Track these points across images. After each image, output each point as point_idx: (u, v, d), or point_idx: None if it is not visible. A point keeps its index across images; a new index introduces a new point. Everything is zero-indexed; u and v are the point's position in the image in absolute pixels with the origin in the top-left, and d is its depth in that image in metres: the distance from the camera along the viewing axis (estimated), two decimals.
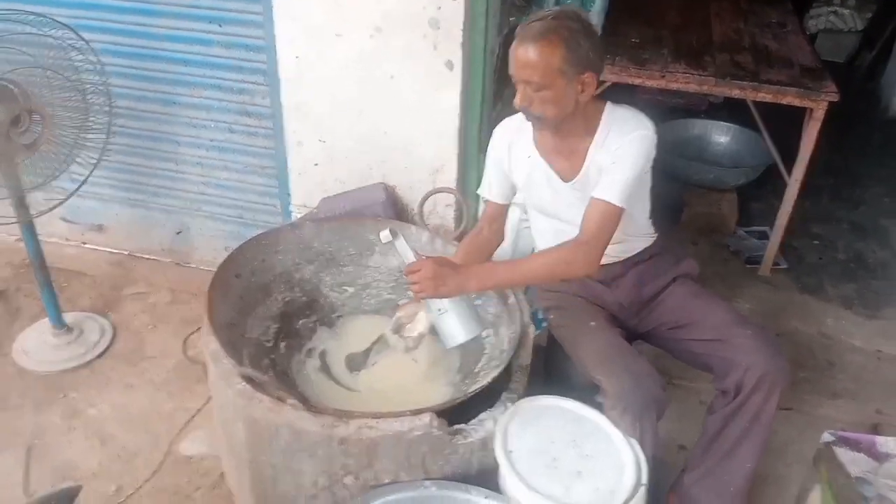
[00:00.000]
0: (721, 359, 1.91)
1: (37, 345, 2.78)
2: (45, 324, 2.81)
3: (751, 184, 3.73)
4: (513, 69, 1.78)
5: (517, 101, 1.81)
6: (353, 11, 2.28)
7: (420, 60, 2.31)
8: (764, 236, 3.56)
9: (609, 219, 1.81)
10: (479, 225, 2.18)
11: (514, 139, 1.99)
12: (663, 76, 2.93)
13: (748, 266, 3.38)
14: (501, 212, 2.15)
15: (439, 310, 1.80)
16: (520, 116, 1.91)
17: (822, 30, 5.79)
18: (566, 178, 1.93)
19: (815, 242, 3.60)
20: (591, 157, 1.87)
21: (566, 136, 1.88)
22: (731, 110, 4.08)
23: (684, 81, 2.93)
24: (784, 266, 3.39)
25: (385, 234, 1.76)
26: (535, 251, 2.20)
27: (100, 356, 2.76)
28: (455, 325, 1.84)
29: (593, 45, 1.75)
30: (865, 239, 3.65)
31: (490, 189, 2.11)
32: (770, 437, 1.94)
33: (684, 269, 2.13)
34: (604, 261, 2.01)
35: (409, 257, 1.76)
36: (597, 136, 1.86)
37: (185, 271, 3.14)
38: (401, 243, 1.79)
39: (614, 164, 1.81)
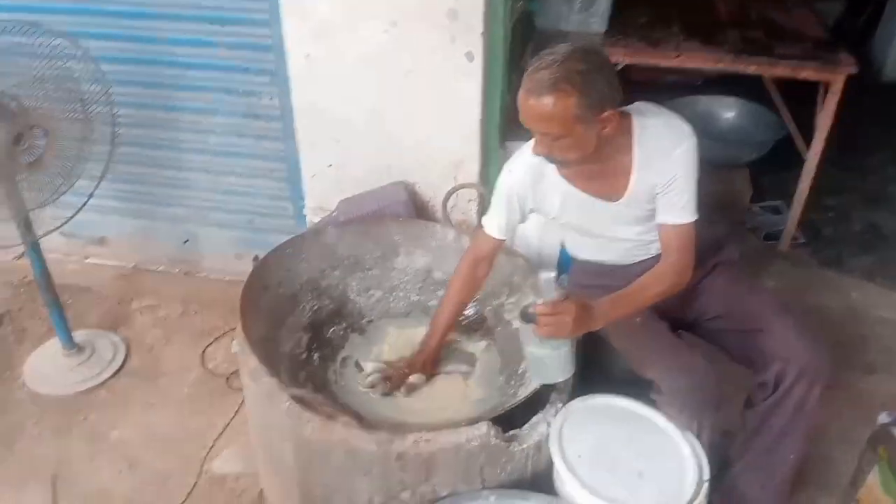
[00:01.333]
0: (760, 350, 1.87)
1: (48, 367, 2.68)
2: (54, 344, 2.71)
3: (760, 159, 3.69)
4: (525, 120, 1.67)
5: (535, 149, 1.72)
6: (366, 6, 2.19)
7: (438, 53, 2.22)
8: (777, 211, 3.54)
9: (689, 236, 1.79)
10: (467, 265, 2.04)
11: (538, 174, 1.86)
12: (678, 55, 2.87)
13: (767, 242, 3.35)
14: (498, 248, 2.03)
15: (555, 348, 1.70)
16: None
17: None
18: (610, 198, 1.84)
19: (830, 215, 3.57)
20: (637, 176, 1.78)
21: (598, 162, 1.77)
22: (727, 84, 4.02)
23: (700, 60, 2.87)
24: (802, 241, 3.36)
25: (548, 276, 1.65)
26: (572, 258, 2.15)
27: (115, 375, 2.68)
28: (560, 364, 1.75)
29: (608, 80, 1.62)
30: (878, 209, 3.63)
31: (498, 226, 1.95)
32: (814, 429, 1.90)
33: (725, 255, 2.07)
34: (642, 256, 1.99)
35: (553, 295, 1.66)
36: (636, 153, 1.76)
37: (195, 281, 3.05)
38: (551, 283, 1.68)
39: (673, 186, 1.74)
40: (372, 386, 2.03)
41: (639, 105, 1.81)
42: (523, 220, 1.96)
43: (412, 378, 2.04)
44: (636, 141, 1.75)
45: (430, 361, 2.08)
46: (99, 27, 2.52)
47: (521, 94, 1.64)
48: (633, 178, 1.78)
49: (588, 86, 1.58)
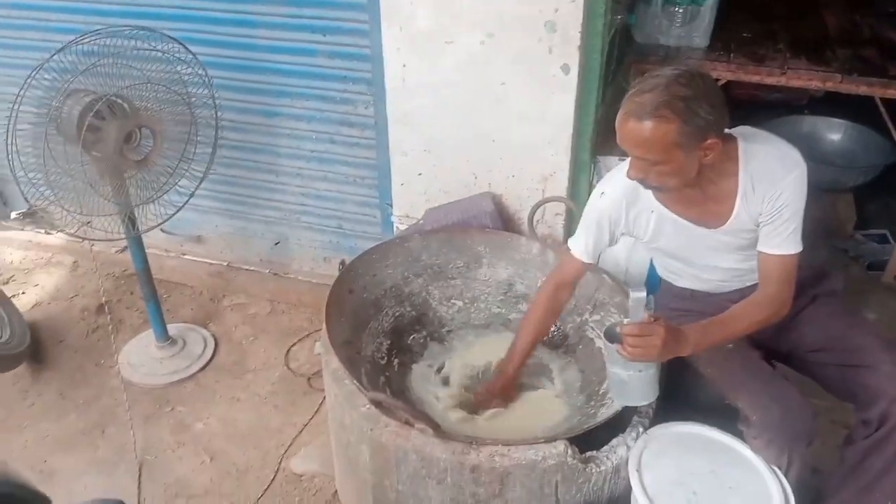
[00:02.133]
0: (865, 387, 1.77)
1: (142, 357, 2.80)
2: (148, 336, 2.84)
3: (865, 184, 3.50)
4: (622, 143, 1.61)
5: (630, 173, 1.66)
6: (464, 17, 2.20)
7: (533, 65, 2.21)
8: (884, 240, 3.35)
9: (792, 267, 1.72)
10: (549, 290, 1.99)
11: (633, 197, 1.80)
12: (784, 73, 2.76)
13: (870, 272, 3.17)
14: (583, 272, 1.98)
15: (640, 370, 1.66)
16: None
17: None
18: (709, 225, 1.77)
19: None
20: (742, 204, 1.71)
21: (698, 187, 1.71)
22: (833, 105, 3.84)
23: (807, 79, 2.76)
24: None
25: (639, 296, 1.61)
26: (659, 280, 2.09)
27: (203, 368, 2.78)
28: (644, 388, 1.69)
29: (713, 107, 1.55)
30: None
31: (585, 249, 1.89)
32: None
33: (828, 285, 1.97)
34: (738, 285, 1.92)
35: (642, 317, 1.61)
36: (742, 179, 1.69)
37: (284, 282, 3.12)
38: (642, 303, 1.62)
39: (780, 215, 1.67)
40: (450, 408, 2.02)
41: (744, 129, 1.73)
42: (613, 243, 1.91)
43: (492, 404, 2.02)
44: (742, 167, 1.68)
45: (509, 387, 2.04)
46: (205, 34, 2.63)
47: (620, 116, 1.59)
48: (738, 205, 1.71)
49: (691, 113, 1.52)
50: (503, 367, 2.05)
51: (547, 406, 2.04)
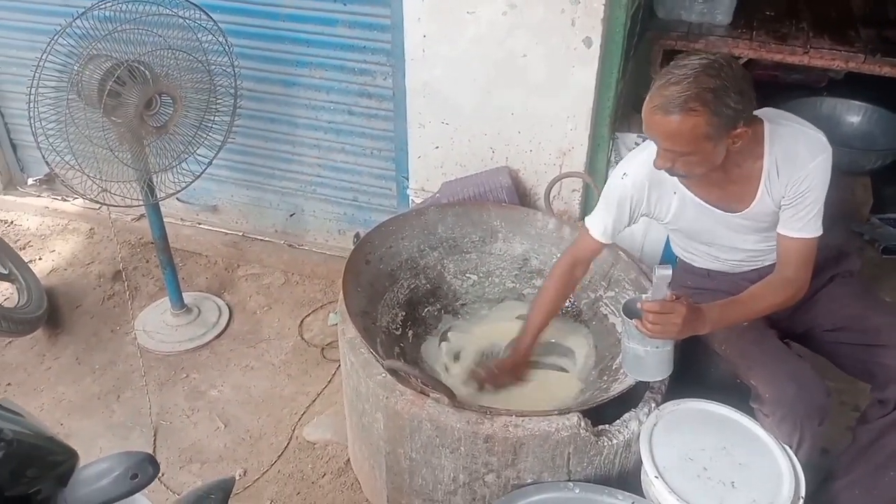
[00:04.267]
0: (882, 366, 1.77)
1: (157, 324, 2.83)
2: (164, 303, 2.86)
3: (883, 167, 3.46)
4: (649, 134, 1.61)
5: (657, 163, 1.64)
6: None
7: (555, 37, 2.19)
8: None
9: (811, 251, 1.72)
10: (564, 266, 1.98)
11: (656, 180, 1.77)
12: (806, 52, 2.73)
13: (885, 256, 3.15)
14: (599, 251, 1.97)
15: (657, 346, 1.66)
16: (654, 152, 1.69)
17: None
18: (733, 209, 1.76)
19: None
20: (765, 187, 1.70)
21: (721, 170, 1.69)
22: (854, 86, 3.79)
23: (829, 58, 2.72)
24: None
25: (664, 273, 1.59)
26: (675, 258, 2.09)
27: (218, 337, 2.80)
28: (659, 364, 1.71)
29: (742, 95, 1.53)
30: None
31: (604, 229, 1.88)
32: None
33: (845, 266, 1.96)
34: (755, 265, 1.92)
35: (664, 294, 1.61)
36: (766, 163, 1.68)
37: (298, 253, 3.13)
38: (666, 280, 1.62)
39: (802, 199, 1.67)
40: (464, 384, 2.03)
41: (770, 111, 1.72)
42: (631, 224, 1.90)
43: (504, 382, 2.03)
44: (767, 150, 1.67)
45: (522, 364, 2.05)
46: (226, 1, 2.62)
47: (647, 108, 1.56)
48: (761, 188, 1.70)
49: (720, 104, 1.51)
50: (516, 343, 2.05)
51: (564, 385, 2.05)
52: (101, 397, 2.55)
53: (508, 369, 2.03)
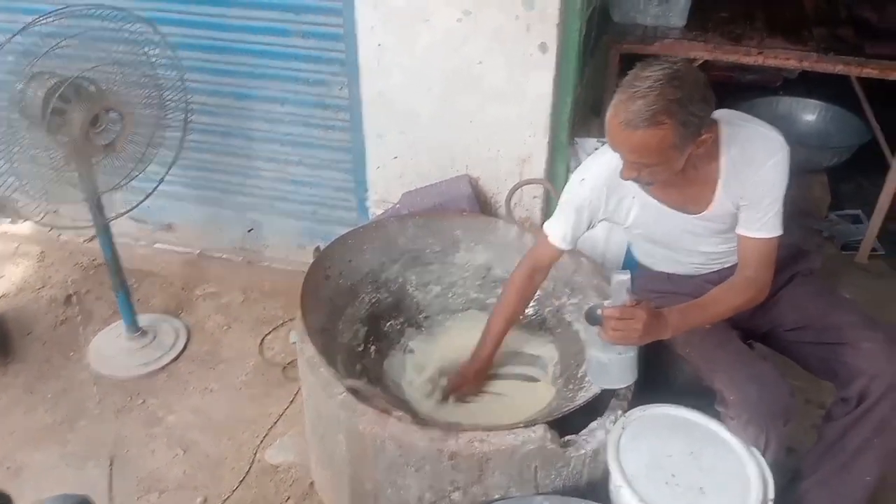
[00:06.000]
0: (845, 364, 1.77)
1: (112, 349, 2.73)
2: (118, 327, 2.76)
3: (839, 164, 3.51)
4: (615, 147, 1.58)
5: (624, 174, 1.62)
6: None
7: (511, 44, 2.17)
8: (857, 220, 3.38)
9: (772, 251, 1.72)
10: (523, 274, 1.96)
11: (614, 184, 1.76)
12: (761, 52, 2.74)
13: (844, 252, 3.19)
14: (558, 257, 1.95)
15: (619, 353, 1.64)
16: (613, 156, 1.67)
17: None
18: (692, 210, 1.75)
19: None
20: (723, 189, 1.69)
21: (680, 173, 1.66)
22: (808, 86, 3.85)
23: (784, 58, 2.74)
24: (882, 252, 3.19)
25: (622, 279, 1.57)
26: (636, 263, 2.08)
27: (175, 359, 2.71)
28: (623, 371, 1.68)
29: (705, 101, 1.53)
30: None
31: (563, 235, 1.85)
32: (895, 450, 1.78)
33: (805, 264, 1.97)
34: (716, 267, 1.92)
35: (624, 299, 1.59)
36: (723, 164, 1.67)
37: (257, 270, 3.06)
38: (624, 285, 1.60)
39: (760, 199, 1.66)
40: (427, 395, 2.01)
41: (725, 112, 1.71)
42: (591, 228, 1.88)
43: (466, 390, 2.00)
44: (724, 151, 1.67)
45: (483, 372, 2.03)
46: (174, 13, 2.56)
47: (612, 122, 1.54)
48: (719, 189, 1.70)
49: (686, 114, 1.49)
50: (477, 351, 2.02)
51: (537, 394, 2.02)
52: (55, 427, 2.44)
53: (472, 376, 2.01)
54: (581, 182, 1.80)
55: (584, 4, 2.17)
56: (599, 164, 1.77)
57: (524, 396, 2.02)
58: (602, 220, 1.85)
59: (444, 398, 1.98)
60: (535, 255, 1.96)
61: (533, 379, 2.08)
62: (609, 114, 1.55)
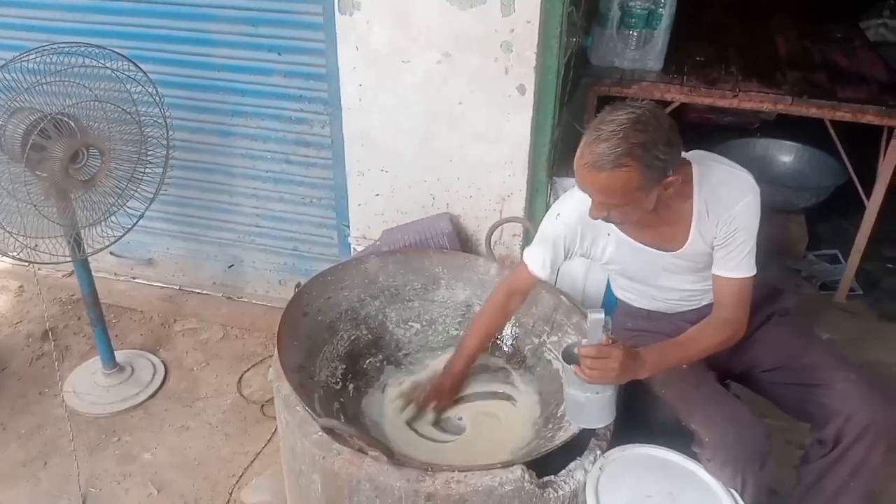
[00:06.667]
0: (819, 405, 1.78)
1: (88, 385, 2.71)
2: (95, 363, 2.74)
3: (816, 205, 3.57)
4: (582, 188, 1.62)
5: (593, 213, 1.65)
6: (420, 37, 2.19)
7: (490, 85, 2.20)
8: (835, 260, 3.42)
9: (747, 290, 1.74)
10: (502, 295, 1.98)
11: (588, 222, 1.77)
12: (736, 95, 2.80)
13: (822, 292, 3.22)
14: (535, 284, 1.97)
15: (597, 392, 1.64)
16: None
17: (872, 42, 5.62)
18: (666, 248, 1.78)
19: (889, 265, 3.42)
20: (697, 227, 1.72)
21: (653, 212, 1.70)
22: (784, 128, 3.93)
23: (758, 101, 2.80)
24: (859, 292, 3.23)
25: (597, 318, 1.57)
26: (616, 300, 2.09)
27: (152, 396, 2.69)
28: (601, 410, 1.68)
29: (671, 145, 1.55)
30: None
31: (542, 264, 1.87)
32: (874, 491, 1.79)
33: (780, 304, 1.98)
34: (694, 305, 1.94)
35: (600, 339, 1.60)
36: (696, 203, 1.70)
37: (237, 305, 3.05)
38: (599, 324, 1.60)
39: (733, 239, 1.69)
40: (400, 410, 2.01)
41: (698, 153, 1.75)
42: (567, 260, 1.91)
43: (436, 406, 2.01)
44: (697, 191, 1.70)
45: (456, 386, 2.03)
46: (158, 52, 2.58)
47: (578, 163, 1.57)
48: (693, 229, 1.72)
49: (650, 157, 1.52)
50: (451, 365, 2.04)
51: (516, 421, 2.01)
52: (27, 464, 2.41)
53: (445, 390, 2.01)
54: (557, 217, 1.84)
55: (562, 48, 2.20)
56: (574, 200, 1.80)
57: (506, 424, 2.01)
58: (579, 255, 1.87)
59: (419, 410, 1.99)
60: (514, 279, 1.99)
61: (510, 397, 2.08)
62: (577, 155, 1.58)
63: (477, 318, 2.05)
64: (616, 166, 1.51)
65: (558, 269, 1.95)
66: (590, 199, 1.68)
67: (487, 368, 2.15)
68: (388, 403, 2.06)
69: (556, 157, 2.43)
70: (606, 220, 1.67)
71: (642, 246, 1.79)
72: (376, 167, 2.47)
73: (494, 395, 2.09)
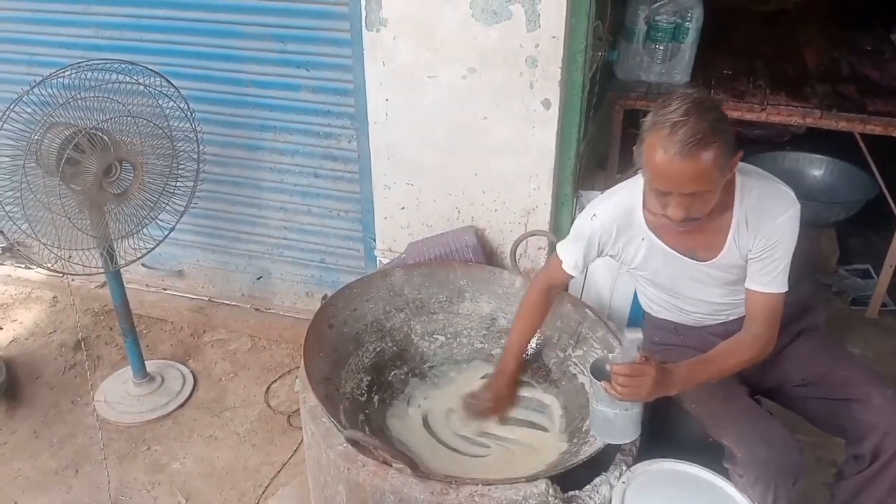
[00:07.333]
0: (855, 420, 1.75)
1: (119, 395, 2.75)
2: (126, 373, 2.79)
3: (847, 219, 3.52)
4: (667, 185, 1.54)
5: (675, 215, 1.58)
6: (447, 52, 2.21)
7: (515, 100, 2.22)
8: (867, 275, 3.36)
9: (778, 306, 1.72)
10: (540, 290, 2.00)
11: (624, 224, 1.78)
12: (764, 109, 2.78)
13: (853, 307, 3.17)
14: (570, 279, 1.96)
15: (626, 409, 1.64)
16: (624, 196, 1.75)
17: None
18: (699, 258, 1.76)
19: None
20: (734, 239, 1.70)
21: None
22: (814, 141, 3.88)
23: (787, 114, 2.78)
24: (891, 307, 3.17)
25: (635, 337, 1.57)
26: (643, 314, 2.09)
27: (182, 406, 2.72)
28: (628, 426, 1.67)
29: (727, 122, 1.55)
30: None
31: (575, 263, 1.87)
32: None
33: (810, 319, 1.96)
34: (721, 319, 1.91)
35: (633, 356, 1.59)
36: (736, 213, 1.68)
37: (265, 317, 3.08)
38: (636, 343, 1.60)
39: (770, 253, 1.67)
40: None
41: (741, 164, 1.71)
42: (595, 258, 1.90)
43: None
44: (738, 201, 1.68)
45: (512, 385, 2.04)
46: (190, 68, 2.64)
47: (662, 159, 1.51)
48: (730, 239, 1.71)
49: (726, 132, 1.51)
50: (502, 366, 2.04)
51: (546, 444, 1.99)
52: (59, 472, 2.45)
53: (502, 391, 2.02)
54: (592, 218, 1.82)
55: (587, 63, 2.21)
56: (611, 202, 1.80)
57: (535, 446, 1.99)
58: (610, 255, 1.87)
59: (475, 417, 2.00)
60: (551, 274, 1.99)
61: (543, 428, 2.06)
62: (654, 155, 1.52)
63: (520, 314, 2.04)
64: (705, 145, 1.47)
65: (587, 269, 1.95)
66: (625, 202, 1.71)
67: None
68: (438, 416, 2.07)
69: (581, 170, 2.44)
70: (687, 220, 1.59)
71: (676, 253, 1.77)
72: (402, 181, 2.49)
73: (532, 425, 2.07)
